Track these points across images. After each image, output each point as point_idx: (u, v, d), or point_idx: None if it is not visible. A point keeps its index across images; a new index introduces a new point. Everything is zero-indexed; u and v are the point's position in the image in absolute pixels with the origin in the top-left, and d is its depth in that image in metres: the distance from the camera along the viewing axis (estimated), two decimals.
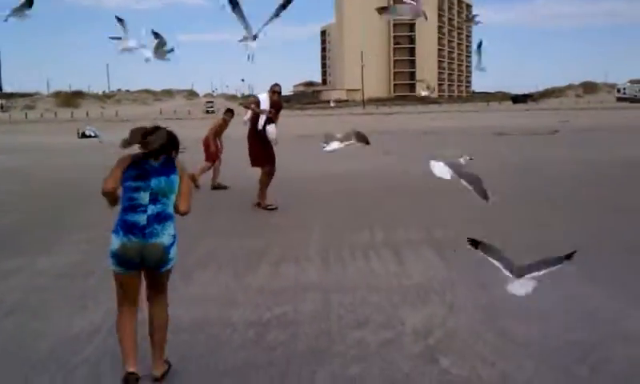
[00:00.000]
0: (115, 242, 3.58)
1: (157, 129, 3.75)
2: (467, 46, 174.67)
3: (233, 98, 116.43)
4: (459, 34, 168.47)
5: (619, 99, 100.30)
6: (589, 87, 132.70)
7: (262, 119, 9.20)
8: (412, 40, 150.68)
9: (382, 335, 4.41)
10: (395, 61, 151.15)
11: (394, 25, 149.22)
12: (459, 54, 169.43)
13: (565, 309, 4.84)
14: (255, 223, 8.68)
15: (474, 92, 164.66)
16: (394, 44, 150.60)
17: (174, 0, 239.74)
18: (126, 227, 3.58)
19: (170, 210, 3.68)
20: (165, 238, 3.62)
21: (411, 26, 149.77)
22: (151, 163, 3.67)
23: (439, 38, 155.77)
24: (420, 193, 10.12)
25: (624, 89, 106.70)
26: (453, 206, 8.78)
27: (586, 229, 7.68)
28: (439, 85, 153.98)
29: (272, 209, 9.31)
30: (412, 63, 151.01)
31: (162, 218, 3.63)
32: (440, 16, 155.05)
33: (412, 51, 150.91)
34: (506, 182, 10.70)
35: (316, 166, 14.00)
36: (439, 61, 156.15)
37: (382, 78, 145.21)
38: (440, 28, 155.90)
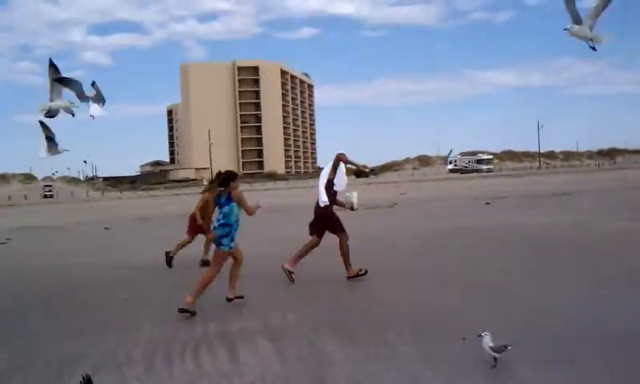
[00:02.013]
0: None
1: (218, 175, 8.03)
2: (311, 124, 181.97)
3: (74, 180, 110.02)
4: (303, 112, 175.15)
5: (451, 171, 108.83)
6: (424, 160, 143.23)
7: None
8: (258, 119, 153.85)
9: None
10: (243, 139, 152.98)
11: (241, 104, 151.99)
12: (304, 132, 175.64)
13: None
14: (73, 324, 7.72)
15: (319, 167, 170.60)
16: (241, 123, 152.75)
17: (12, 79, 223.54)
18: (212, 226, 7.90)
19: (230, 221, 7.52)
20: (219, 232, 7.51)
21: (257, 105, 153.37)
22: (221, 198, 7.62)
23: (284, 117, 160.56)
24: (255, 275, 9.72)
25: (455, 161, 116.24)
26: (288, 288, 8.48)
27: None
28: (286, 161, 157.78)
29: (362, 274, 9.26)
30: (259, 141, 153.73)
31: (223, 224, 7.52)
32: (284, 95, 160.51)
33: (259, 129, 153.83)
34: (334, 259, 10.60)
35: (153, 251, 13.19)
36: (285, 138, 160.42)
37: (231, 156, 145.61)
38: (284, 106, 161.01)
